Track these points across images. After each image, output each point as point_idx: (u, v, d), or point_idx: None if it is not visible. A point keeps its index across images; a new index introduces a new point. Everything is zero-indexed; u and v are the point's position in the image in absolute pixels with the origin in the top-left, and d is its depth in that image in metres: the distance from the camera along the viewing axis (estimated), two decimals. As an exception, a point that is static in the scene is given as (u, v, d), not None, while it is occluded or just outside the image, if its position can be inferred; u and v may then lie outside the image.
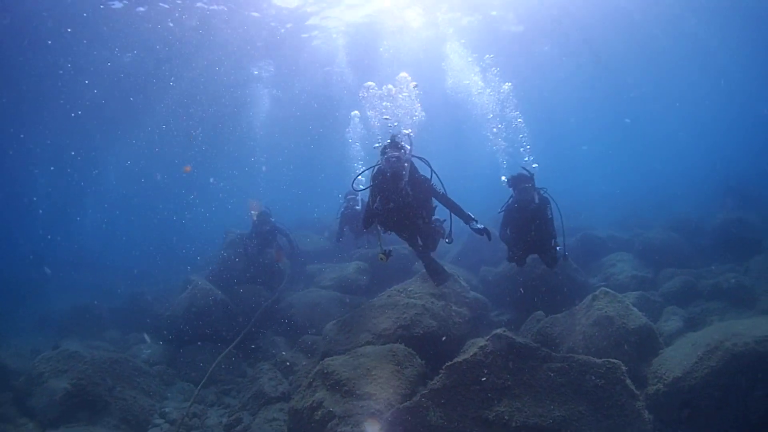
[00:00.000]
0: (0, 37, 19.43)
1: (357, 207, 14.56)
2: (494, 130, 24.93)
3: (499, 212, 10.54)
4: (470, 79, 22.99)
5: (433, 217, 9.17)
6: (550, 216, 10.07)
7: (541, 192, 10.10)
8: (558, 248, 10.25)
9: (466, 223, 8.49)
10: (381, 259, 8.48)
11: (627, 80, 34.13)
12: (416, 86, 13.25)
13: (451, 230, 8.97)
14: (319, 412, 6.53)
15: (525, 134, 23.64)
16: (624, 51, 28.44)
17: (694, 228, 17.26)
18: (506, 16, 22.81)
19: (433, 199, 8.86)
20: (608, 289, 9.07)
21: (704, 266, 13.99)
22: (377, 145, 9.22)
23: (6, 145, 31.86)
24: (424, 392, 6.17)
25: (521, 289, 11.53)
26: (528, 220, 9.96)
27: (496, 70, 22.14)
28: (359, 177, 9.57)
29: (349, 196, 15.05)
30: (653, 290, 12.42)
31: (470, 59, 22.87)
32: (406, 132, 9.06)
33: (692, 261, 14.57)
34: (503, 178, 11.20)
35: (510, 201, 10.29)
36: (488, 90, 21.64)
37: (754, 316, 9.63)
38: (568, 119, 45.87)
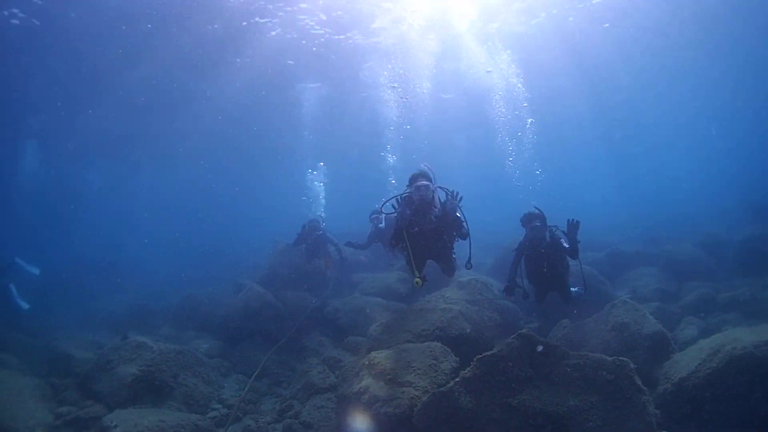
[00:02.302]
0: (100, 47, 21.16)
1: (381, 225, 15.13)
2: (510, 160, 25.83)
3: (513, 250, 10.92)
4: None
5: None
6: (566, 247, 10.27)
7: (553, 230, 10.44)
8: (574, 290, 10.71)
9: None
10: (417, 284, 8.81)
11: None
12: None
13: (470, 256, 9.42)
14: (366, 396, 7.49)
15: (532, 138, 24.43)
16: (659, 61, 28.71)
17: (719, 243, 17.58)
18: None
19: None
20: (627, 299, 9.86)
21: (726, 280, 14.42)
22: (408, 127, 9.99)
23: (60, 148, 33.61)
24: (456, 380, 7.03)
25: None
26: (541, 259, 10.34)
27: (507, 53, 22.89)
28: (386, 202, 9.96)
29: (372, 216, 15.66)
30: (675, 303, 12.97)
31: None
32: (425, 165, 9.49)
33: (715, 275, 14.99)
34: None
35: (523, 240, 10.70)
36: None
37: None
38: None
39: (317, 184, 29.29)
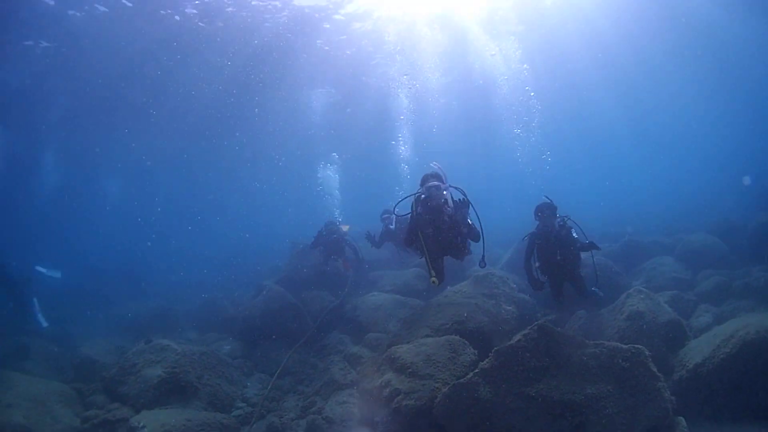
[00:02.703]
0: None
1: (391, 226, 15.22)
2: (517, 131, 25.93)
3: (523, 239, 11.07)
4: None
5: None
6: (576, 237, 10.48)
7: (565, 219, 10.57)
8: (593, 290, 10.81)
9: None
10: (433, 282, 9.16)
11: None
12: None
13: (484, 254, 9.43)
14: (387, 390, 7.75)
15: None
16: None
17: (734, 230, 17.67)
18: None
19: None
20: (641, 288, 10.03)
21: (742, 267, 14.47)
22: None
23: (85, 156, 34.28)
24: (476, 371, 7.25)
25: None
26: (552, 247, 10.48)
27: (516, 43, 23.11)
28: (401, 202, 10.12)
29: (383, 216, 15.77)
30: (690, 291, 13.06)
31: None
32: (435, 165, 9.69)
33: (731, 263, 15.05)
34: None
35: (534, 231, 10.84)
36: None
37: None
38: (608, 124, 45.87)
39: (331, 174, 29.55)
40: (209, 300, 18.02)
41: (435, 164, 9.59)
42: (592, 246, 10.32)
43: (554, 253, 10.47)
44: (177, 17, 19.75)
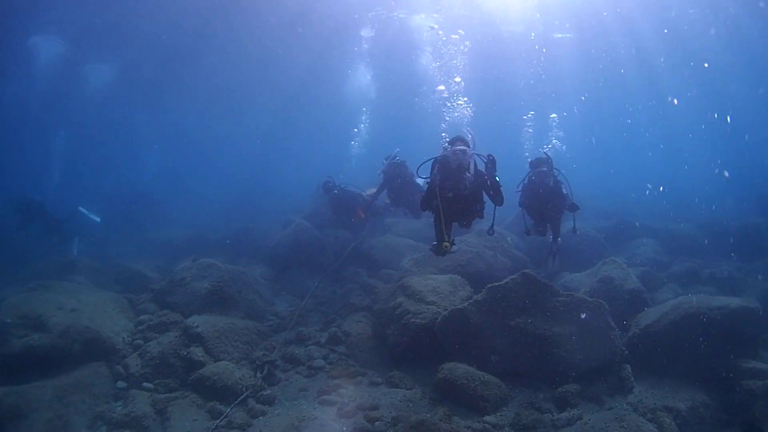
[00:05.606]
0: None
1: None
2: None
3: (517, 191, 11.56)
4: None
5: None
6: (565, 193, 11.33)
7: (556, 175, 11.20)
8: (575, 226, 11.81)
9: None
10: (445, 247, 8.74)
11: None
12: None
13: (493, 222, 9.80)
14: (399, 310, 9.80)
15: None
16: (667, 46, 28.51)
17: (719, 228, 18.67)
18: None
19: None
20: (616, 259, 11.86)
21: (715, 261, 15.85)
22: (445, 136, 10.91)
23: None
24: (470, 301, 9.26)
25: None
26: (544, 200, 11.30)
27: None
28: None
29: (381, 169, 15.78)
30: (663, 271, 14.55)
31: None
32: (468, 131, 10.17)
33: (707, 255, 16.45)
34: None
35: (527, 181, 11.34)
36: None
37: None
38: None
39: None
40: (242, 229, 19.62)
41: (467, 130, 10.64)
42: (573, 207, 11.42)
43: (545, 205, 11.46)
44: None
